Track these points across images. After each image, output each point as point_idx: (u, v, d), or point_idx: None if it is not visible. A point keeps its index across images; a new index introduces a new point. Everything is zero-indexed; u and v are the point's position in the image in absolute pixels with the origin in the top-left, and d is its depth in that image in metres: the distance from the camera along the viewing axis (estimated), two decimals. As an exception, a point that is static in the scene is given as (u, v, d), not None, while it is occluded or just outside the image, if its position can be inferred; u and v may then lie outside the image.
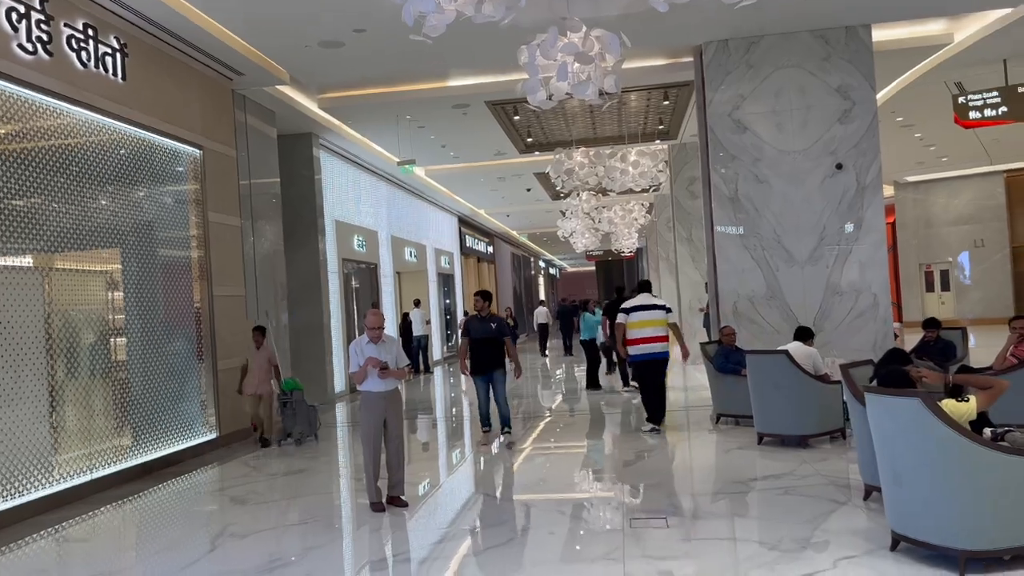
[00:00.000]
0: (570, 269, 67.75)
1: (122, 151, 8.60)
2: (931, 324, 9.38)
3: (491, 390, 9.13)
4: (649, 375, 9.18)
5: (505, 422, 9.16)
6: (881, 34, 10.61)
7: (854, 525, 5.20)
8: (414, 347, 19.02)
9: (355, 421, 11.33)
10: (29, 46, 7.01)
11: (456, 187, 22.24)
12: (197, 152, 9.92)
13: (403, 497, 6.37)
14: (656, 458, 8.05)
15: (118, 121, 8.38)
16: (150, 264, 9.09)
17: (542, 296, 48.06)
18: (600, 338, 13.98)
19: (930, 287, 25.86)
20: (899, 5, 9.77)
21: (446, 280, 24.80)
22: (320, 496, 7.32)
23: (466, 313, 22.13)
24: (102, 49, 8.00)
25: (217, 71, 10.20)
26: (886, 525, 4.75)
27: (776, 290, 10.21)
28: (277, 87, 11.34)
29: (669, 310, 9.26)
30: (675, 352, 10.28)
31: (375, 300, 17.34)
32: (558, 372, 17.93)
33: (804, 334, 8.32)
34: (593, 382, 13.76)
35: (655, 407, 9.18)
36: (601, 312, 14.10)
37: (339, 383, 14.55)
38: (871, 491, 5.63)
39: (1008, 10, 10.19)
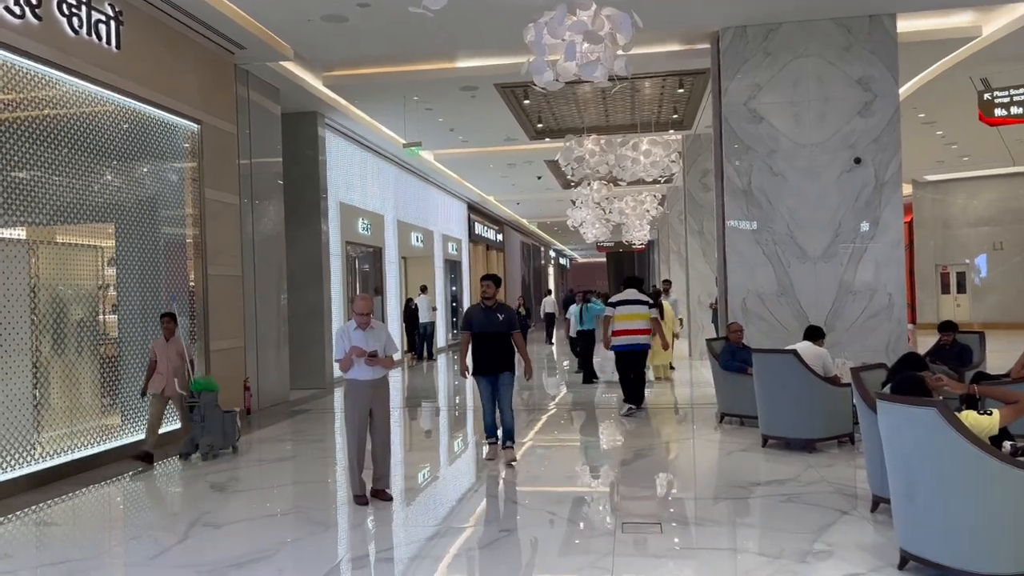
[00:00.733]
0: (580, 260, 67.39)
1: (115, 123, 8.34)
2: (947, 327, 9.04)
3: (495, 394, 7.42)
4: (630, 363, 10.06)
5: (508, 435, 7.44)
6: (906, 24, 10.19)
7: (860, 539, 4.90)
8: (420, 334, 18.79)
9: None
10: (17, 9, 6.74)
11: (465, 172, 21.93)
12: (195, 127, 9.65)
13: (388, 491, 6.12)
14: (654, 458, 7.76)
15: (111, 91, 8.12)
16: (144, 240, 8.84)
17: (551, 286, 47.74)
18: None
19: (946, 289, 25.38)
20: (927, -6, 9.37)
21: (453, 267, 24.53)
22: (304, 485, 7.09)
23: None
24: (95, 16, 7.72)
25: (218, 44, 9.91)
26: (895, 540, 4.46)
27: (787, 287, 9.87)
28: (281, 63, 11.05)
29: (652, 305, 10.16)
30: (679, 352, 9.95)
31: (378, 285, 17.09)
32: (565, 363, 17.64)
33: (814, 333, 7.99)
34: (589, 375, 13.57)
35: (634, 391, 10.07)
36: (603, 303, 13.80)
37: (338, 369, 14.29)
38: (879, 502, 5.32)
39: (1041, 3, 9.77)
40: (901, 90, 11.71)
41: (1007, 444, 4.21)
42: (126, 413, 8.38)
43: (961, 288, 25.14)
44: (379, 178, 17.32)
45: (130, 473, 7.39)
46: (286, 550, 4.99)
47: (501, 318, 7.32)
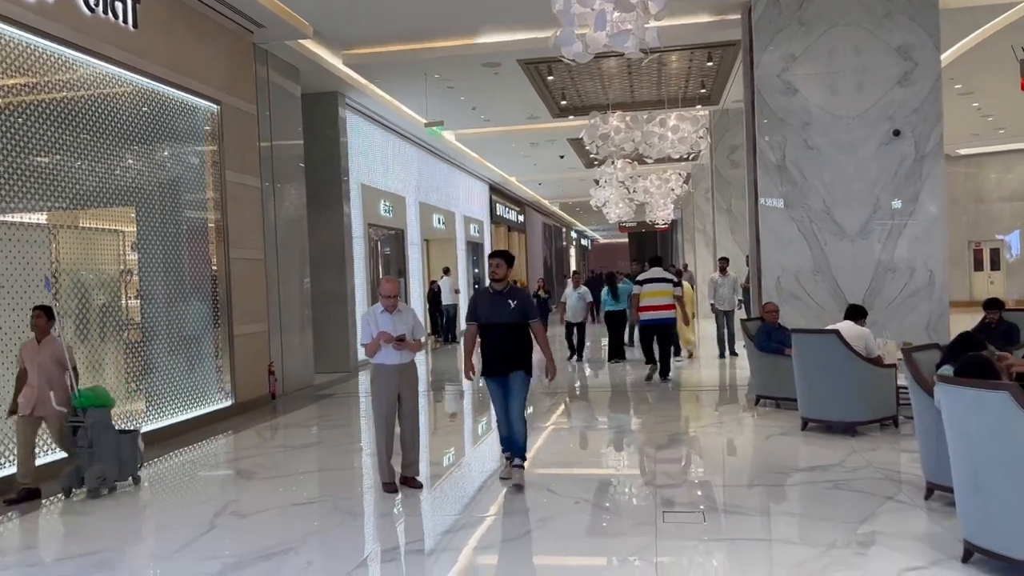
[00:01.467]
0: (602, 240, 66.92)
1: (135, 105, 8.17)
2: (993, 305, 8.67)
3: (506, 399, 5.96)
4: (657, 336, 10.88)
5: (518, 450, 5.86)
6: (948, -11, 9.78)
7: (915, 529, 4.65)
8: (443, 316, 18.63)
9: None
10: (30, -13, 6.57)
11: (487, 152, 21.66)
12: (215, 107, 9.48)
13: (418, 478, 5.94)
14: (689, 442, 7.53)
15: (129, 71, 7.96)
16: (166, 224, 8.70)
17: (573, 267, 47.42)
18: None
19: (979, 266, 24.77)
20: (971, -44, 8.95)
21: (475, 248, 24.33)
22: (331, 473, 6.94)
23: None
24: (111, -6, 7.54)
25: (237, 23, 9.71)
26: (953, 530, 4.22)
27: (823, 265, 9.56)
28: (300, 41, 10.84)
29: (676, 283, 10.91)
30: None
31: (401, 267, 16.93)
32: (587, 343, 17.38)
33: (856, 312, 7.69)
34: (617, 352, 13.54)
35: (660, 360, 10.83)
36: (632, 283, 13.54)
37: (363, 352, 14.18)
38: (933, 489, 5.06)
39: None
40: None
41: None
42: (151, 399, 8.28)
43: (995, 265, 24.53)
44: (401, 159, 17.11)
45: (10, 514, 5.72)
46: (314, 540, 4.84)
47: (513, 305, 5.82)
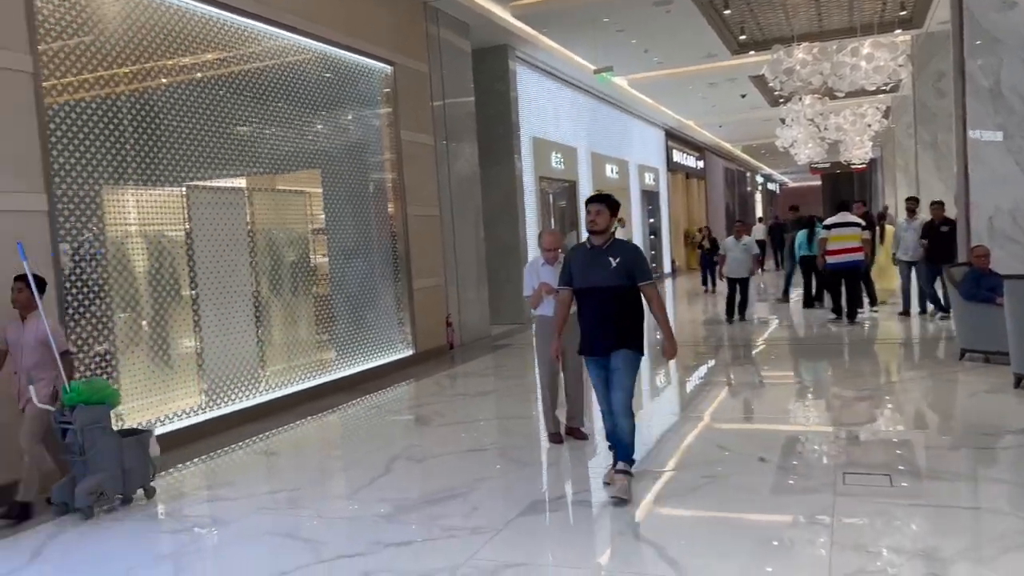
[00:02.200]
0: (792, 184, 63.14)
1: (316, 70, 8.61)
2: None
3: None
4: (844, 279, 11.11)
5: (623, 450, 4.65)
6: None
7: None
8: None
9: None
10: (217, -35, 7.04)
11: (661, 97, 20.91)
12: (388, 69, 9.79)
13: (583, 429, 5.93)
14: (883, 398, 6.95)
15: (309, 39, 8.38)
16: (348, 184, 9.18)
17: (759, 214, 45.15)
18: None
19: None
20: None
21: (650, 198, 23.75)
22: (505, 421, 7.09)
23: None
24: (288, -36, 7.93)
25: (412, -17, 9.92)
26: None
27: (1047, 202, 8.38)
28: (469, -4, 10.90)
29: (863, 227, 11.08)
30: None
31: (573, 220, 16.86)
32: (771, 290, 16.55)
33: (1086, 256, 6.69)
34: (809, 300, 13.14)
35: (848, 303, 11.08)
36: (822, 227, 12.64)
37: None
38: None
39: None
40: None
41: None
42: (340, 349, 8.87)
43: None
44: (572, 110, 16.92)
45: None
46: (482, 486, 4.97)
47: (615, 263, 4.60)
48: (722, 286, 13.97)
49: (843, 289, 11.20)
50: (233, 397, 7.26)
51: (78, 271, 5.93)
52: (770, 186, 56.27)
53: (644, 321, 4.74)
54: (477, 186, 12.09)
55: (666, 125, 24.86)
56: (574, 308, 4.94)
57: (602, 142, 18.91)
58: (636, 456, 4.75)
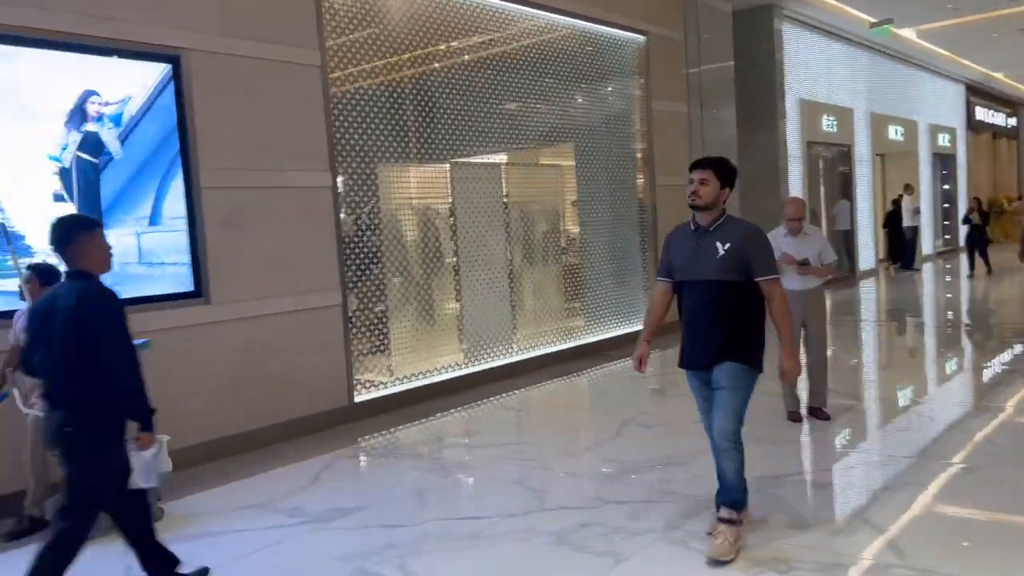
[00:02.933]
0: None
1: (569, 46, 8.92)
2: None
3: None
4: None
5: (727, 493, 3.68)
6: None
7: None
8: (902, 239, 16.78)
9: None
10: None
11: (959, 47, 18.45)
12: (641, 39, 9.81)
13: (825, 409, 5.65)
14: None
15: (562, 16, 8.68)
16: (599, 157, 9.43)
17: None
18: None
19: None
20: None
21: (944, 162, 21.19)
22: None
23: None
24: (541, -56, 8.26)
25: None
26: None
27: None
28: (727, -44, 10.53)
29: None
30: None
31: (846, 188, 15.64)
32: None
33: None
34: None
35: None
36: None
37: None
38: None
39: None
40: None
41: None
42: (588, 316, 9.22)
43: None
44: (847, 68, 15.61)
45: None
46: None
47: (723, 250, 3.53)
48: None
49: None
50: (488, 356, 7.89)
51: (357, 239, 6.82)
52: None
53: (760, 328, 3.63)
54: (734, 153, 11.69)
55: (967, 79, 21.94)
56: (796, 282, 4.58)
57: (884, 101, 17.23)
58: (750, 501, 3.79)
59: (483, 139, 7.90)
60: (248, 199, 5.76)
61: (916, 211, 17.21)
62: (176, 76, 5.39)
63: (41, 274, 4.17)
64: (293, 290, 5.99)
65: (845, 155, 15.67)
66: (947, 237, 21.23)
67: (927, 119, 19.68)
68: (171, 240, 5.39)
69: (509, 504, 4.36)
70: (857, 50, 15.95)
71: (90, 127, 4.98)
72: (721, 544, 3.50)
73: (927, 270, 17.08)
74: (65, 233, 3.13)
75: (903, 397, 6.55)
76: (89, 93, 4.99)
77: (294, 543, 4.04)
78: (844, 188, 15.61)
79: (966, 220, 15.99)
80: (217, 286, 5.57)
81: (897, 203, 16.98)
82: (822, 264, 5.51)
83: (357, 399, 6.52)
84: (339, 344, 6.36)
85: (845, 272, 14.55)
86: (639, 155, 9.98)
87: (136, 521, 3.33)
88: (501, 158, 8.38)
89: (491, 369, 7.80)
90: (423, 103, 7.41)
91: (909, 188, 17.06)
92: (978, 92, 23.24)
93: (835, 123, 14.91)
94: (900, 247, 16.89)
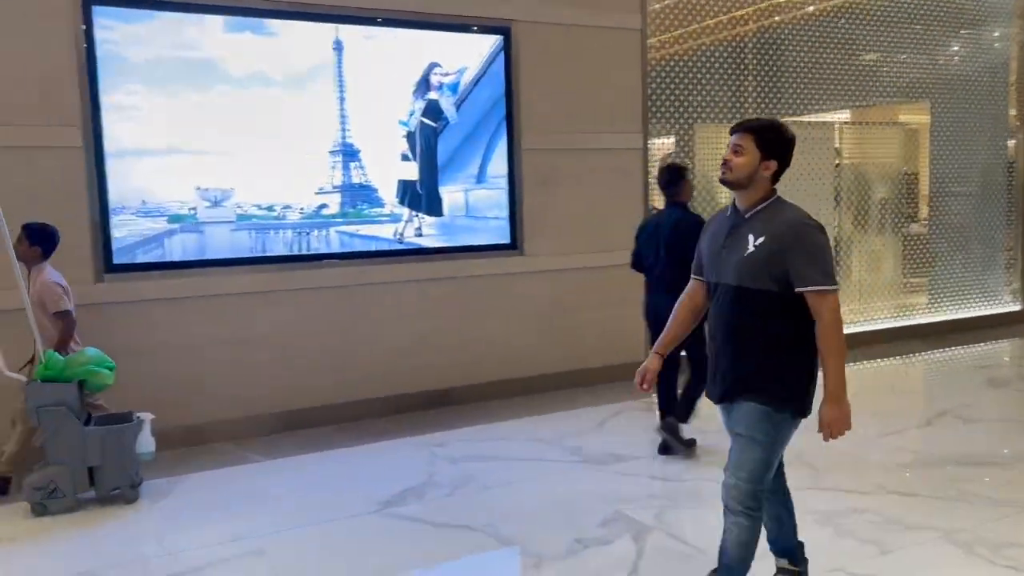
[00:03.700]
0: None
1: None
2: None
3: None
4: None
5: (782, 544, 2.90)
6: None
7: None
8: None
9: None
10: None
11: None
12: (1028, -26, 8.32)
13: None
14: None
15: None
16: (959, 117, 8.30)
17: None
18: None
19: None
20: None
21: None
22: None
23: None
24: None
25: None
26: None
27: None
28: None
29: None
30: None
31: None
32: None
33: None
34: None
35: None
36: None
37: None
38: None
39: None
40: None
41: None
42: (933, 293, 8.27)
43: None
44: None
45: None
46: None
47: (753, 245, 2.55)
48: None
49: None
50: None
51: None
52: None
53: (804, 355, 2.58)
54: None
55: None
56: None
57: None
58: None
59: (821, 96, 7.46)
60: (563, 160, 6.18)
61: None
62: (506, 46, 5.94)
63: (32, 234, 4.23)
64: (600, 247, 6.32)
65: None
66: None
67: None
68: (494, 197, 6.02)
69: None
70: None
71: (432, 95, 5.75)
72: None
73: None
74: (671, 177, 4.67)
75: None
76: (433, 65, 5.74)
77: (568, 477, 4.41)
78: None
79: None
80: (531, 240, 6.11)
81: None
82: None
83: (653, 355, 6.69)
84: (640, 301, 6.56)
85: None
86: (1013, 113, 8.54)
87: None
88: (838, 116, 7.81)
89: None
90: (736, 63, 7.18)
91: None
92: None
93: None
94: None
